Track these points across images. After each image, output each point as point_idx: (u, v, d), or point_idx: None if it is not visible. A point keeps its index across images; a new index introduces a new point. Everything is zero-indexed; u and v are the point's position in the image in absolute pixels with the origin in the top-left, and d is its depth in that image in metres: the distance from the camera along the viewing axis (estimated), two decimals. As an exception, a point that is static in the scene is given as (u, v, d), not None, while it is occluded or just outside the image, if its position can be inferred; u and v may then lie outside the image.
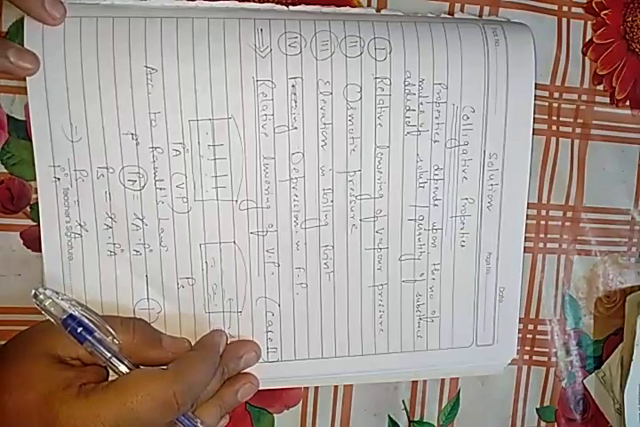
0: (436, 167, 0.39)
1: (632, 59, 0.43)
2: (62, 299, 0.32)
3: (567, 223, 0.43)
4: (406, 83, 0.37)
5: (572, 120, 0.43)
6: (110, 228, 0.36)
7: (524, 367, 0.44)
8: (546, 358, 0.44)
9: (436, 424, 0.43)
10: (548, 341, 0.44)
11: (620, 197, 0.44)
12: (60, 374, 0.30)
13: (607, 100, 0.43)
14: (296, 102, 0.36)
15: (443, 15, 0.39)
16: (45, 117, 0.34)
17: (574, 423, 0.45)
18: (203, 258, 0.37)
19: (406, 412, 0.43)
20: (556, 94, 0.42)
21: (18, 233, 0.37)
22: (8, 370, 0.30)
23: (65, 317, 0.31)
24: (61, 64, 0.34)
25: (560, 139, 0.43)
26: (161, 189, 0.36)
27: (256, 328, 0.38)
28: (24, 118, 0.36)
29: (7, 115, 0.36)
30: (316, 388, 0.41)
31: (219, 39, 0.35)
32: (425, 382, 0.43)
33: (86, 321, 0.31)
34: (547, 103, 0.42)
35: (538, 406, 0.45)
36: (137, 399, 0.29)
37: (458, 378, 0.43)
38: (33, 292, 0.32)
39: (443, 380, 0.43)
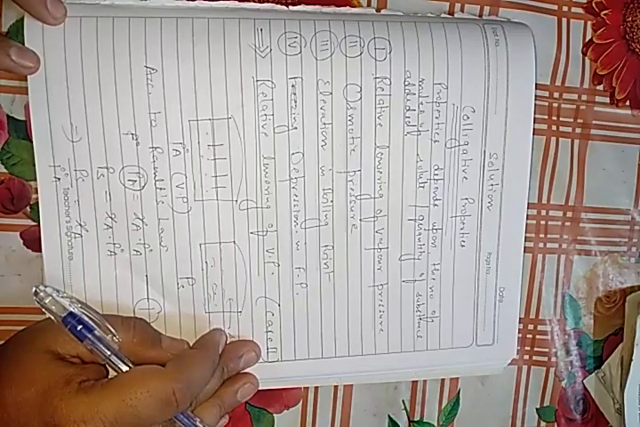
0: (436, 167, 0.39)
1: (632, 59, 0.43)
2: (62, 296, 0.32)
3: (567, 223, 0.43)
4: (406, 83, 0.37)
5: (572, 120, 0.43)
6: (110, 228, 0.36)
7: (524, 367, 0.44)
8: (546, 358, 0.44)
9: (435, 424, 0.43)
10: (548, 341, 0.44)
11: (620, 197, 0.44)
12: (60, 371, 0.30)
13: (607, 100, 0.43)
14: (296, 102, 0.36)
15: (443, 15, 0.39)
16: (45, 117, 0.34)
17: (574, 423, 0.45)
18: (203, 258, 0.37)
19: (406, 412, 0.43)
20: (556, 94, 0.42)
21: (18, 233, 0.37)
22: (8, 367, 0.30)
23: (65, 314, 0.31)
24: (62, 64, 0.34)
25: (560, 139, 0.43)
26: (161, 189, 0.36)
27: (256, 328, 0.38)
28: (24, 118, 0.36)
29: (7, 115, 0.36)
30: (316, 388, 0.41)
31: (219, 39, 0.35)
32: (425, 382, 0.43)
33: (86, 319, 0.31)
34: (547, 103, 0.42)
35: (538, 406, 0.45)
36: (136, 396, 0.29)
37: (458, 378, 0.43)
38: (33, 289, 0.32)
39: (443, 380, 0.43)
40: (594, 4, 0.42)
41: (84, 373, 0.31)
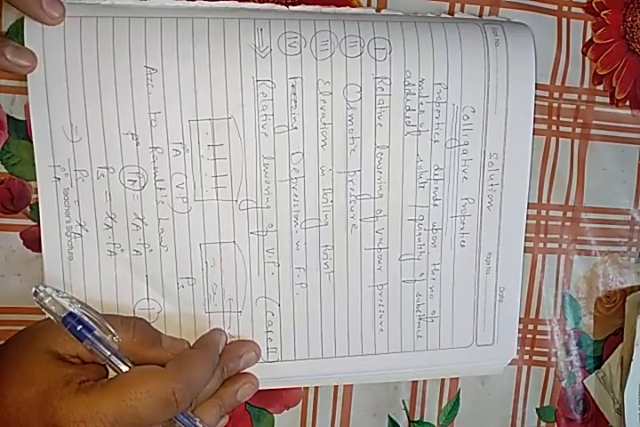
0: (436, 167, 0.39)
1: (632, 59, 0.43)
2: (62, 297, 0.32)
3: (567, 223, 0.43)
4: (406, 83, 0.37)
5: (572, 120, 0.43)
6: (110, 228, 0.36)
7: (524, 367, 0.44)
8: (546, 358, 0.44)
9: (435, 424, 0.43)
10: (548, 341, 0.44)
11: (620, 197, 0.44)
12: (60, 371, 0.30)
13: (607, 100, 0.43)
14: (296, 102, 0.36)
15: (443, 15, 0.39)
16: (45, 117, 0.34)
17: (574, 423, 0.45)
18: (203, 258, 0.37)
19: (406, 412, 0.43)
20: (556, 94, 0.42)
21: (18, 233, 0.37)
22: (8, 367, 0.30)
23: (65, 315, 0.31)
24: (62, 64, 0.34)
25: (560, 139, 0.43)
26: (161, 189, 0.36)
27: (256, 328, 0.38)
28: (24, 118, 0.36)
29: (7, 115, 0.36)
30: (316, 388, 0.41)
31: (219, 39, 0.35)
32: (425, 382, 0.43)
33: (86, 319, 0.31)
34: (547, 103, 0.42)
35: (538, 406, 0.45)
36: (136, 396, 0.29)
37: (458, 378, 0.43)
38: (33, 289, 0.32)
39: (443, 380, 0.43)
40: (594, 4, 0.42)
41: (84, 373, 0.31)
